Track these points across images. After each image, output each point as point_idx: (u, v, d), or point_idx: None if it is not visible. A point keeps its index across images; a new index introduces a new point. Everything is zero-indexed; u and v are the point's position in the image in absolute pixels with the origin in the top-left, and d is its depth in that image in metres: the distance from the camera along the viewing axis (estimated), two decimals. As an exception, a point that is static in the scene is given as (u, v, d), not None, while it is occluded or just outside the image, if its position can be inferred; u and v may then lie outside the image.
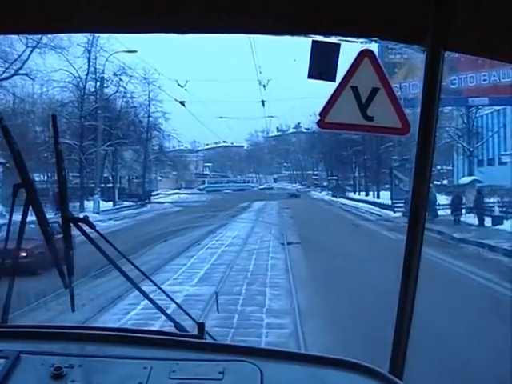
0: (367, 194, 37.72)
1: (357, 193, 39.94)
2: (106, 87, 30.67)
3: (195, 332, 1.80)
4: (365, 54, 1.68)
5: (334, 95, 1.70)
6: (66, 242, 1.78)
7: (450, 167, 37.28)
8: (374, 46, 1.67)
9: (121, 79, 30.53)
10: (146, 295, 1.86)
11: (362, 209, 31.22)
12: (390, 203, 29.57)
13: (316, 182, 48.19)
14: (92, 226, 1.79)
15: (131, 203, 32.28)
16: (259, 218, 28.23)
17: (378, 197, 34.28)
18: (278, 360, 1.65)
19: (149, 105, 33.11)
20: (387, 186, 33.61)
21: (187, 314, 1.93)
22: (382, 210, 29.62)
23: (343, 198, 38.31)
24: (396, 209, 27.26)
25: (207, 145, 51.35)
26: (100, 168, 29.48)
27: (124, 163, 33.11)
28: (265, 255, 16.97)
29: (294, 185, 49.87)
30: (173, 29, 1.74)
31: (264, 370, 1.57)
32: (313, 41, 1.66)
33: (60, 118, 27.34)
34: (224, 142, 50.46)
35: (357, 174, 40.43)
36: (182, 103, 29.65)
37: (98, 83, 29.73)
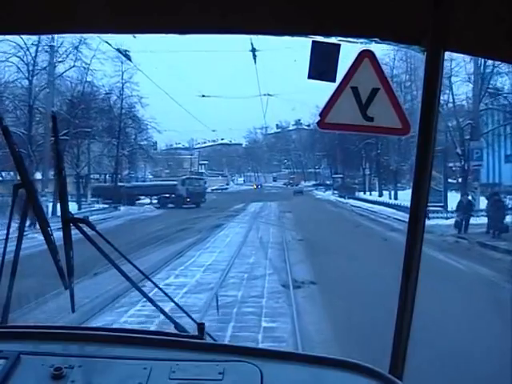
0: (381, 194, 32.57)
1: (367, 193, 35.17)
2: (61, 61, 24.64)
3: (195, 332, 1.80)
4: (365, 54, 1.68)
5: (334, 96, 1.70)
6: (65, 242, 1.78)
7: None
8: (374, 47, 1.67)
9: (79, 51, 24.59)
10: (145, 295, 1.86)
11: (380, 213, 25.03)
12: None
13: (292, 181, 46.39)
14: (92, 227, 1.79)
15: (105, 205, 27.85)
16: (253, 226, 22.45)
17: (396, 197, 29.05)
18: (278, 360, 1.65)
19: (122, 88, 28.20)
20: (400, 185, 29.70)
21: (187, 314, 1.94)
22: (407, 214, 25.05)
23: (352, 198, 33.54)
24: (431, 215, 21.28)
25: (205, 143, 49.38)
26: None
27: (93, 158, 28.27)
28: (253, 320, 8.24)
29: (274, 183, 48.27)
30: (173, 29, 1.74)
31: (264, 370, 1.57)
32: (313, 41, 1.66)
33: (3, 100, 23.12)
34: (222, 139, 49.50)
35: (367, 172, 35.76)
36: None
37: (49, 56, 23.79)
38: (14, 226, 1.78)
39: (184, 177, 34.27)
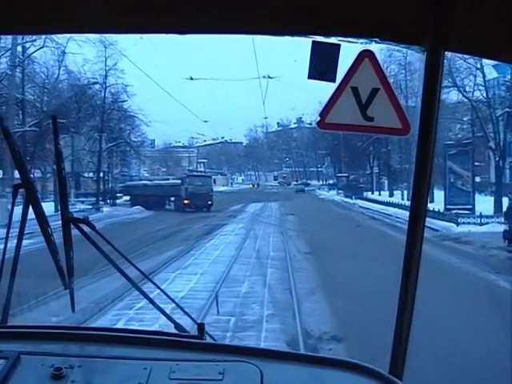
0: (391, 194, 29.28)
1: (375, 192, 32.05)
2: (31, 42, 21.74)
3: (195, 332, 1.80)
4: (365, 54, 1.68)
5: (334, 96, 1.69)
6: (65, 243, 1.78)
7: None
8: (374, 47, 1.67)
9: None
10: (145, 295, 1.86)
11: (397, 217, 20.12)
12: (441, 209, 20.32)
13: (283, 180, 44.71)
14: (92, 227, 1.79)
15: (88, 206, 25.15)
16: (250, 233, 19.46)
17: (409, 198, 27.57)
18: (277, 360, 1.65)
19: (105, 76, 25.03)
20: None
21: (187, 314, 1.94)
22: (430, 219, 18.26)
23: (360, 199, 30.64)
24: (460, 219, 18.61)
25: (205, 141, 47.03)
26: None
27: (72, 154, 24.65)
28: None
29: (274, 182, 46.17)
30: (173, 29, 1.74)
31: (264, 370, 1.57)
32: (313, 41, 1.66)
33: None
34: (222, 137, 48.63)
35: (375, 170, 32.48)
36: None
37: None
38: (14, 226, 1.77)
39: (184, 175, 30.21)
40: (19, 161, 1.75)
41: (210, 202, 27.68)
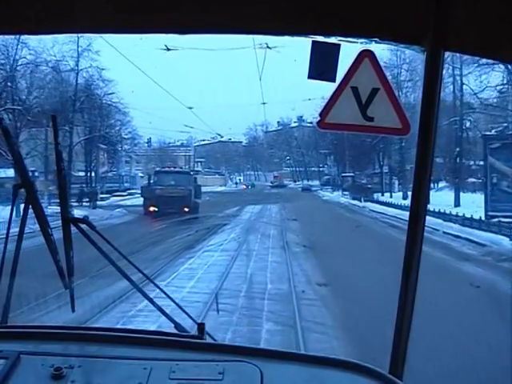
0: (405, 197, 24.95)
1: (385, 194, 28.75)
2: None
3: (195, 332, 1.80)
4: (365, 54, 1.68)
5: (334, 96, 1.70)
6: (65, 243, 1.78)
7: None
8: (374, 47, 1.67)
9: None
10: (146, 296, 1.87)
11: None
12: (481, 217, 16.27)
13: (275, 180, 43.46)
14: (92, 227, 1.79)
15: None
16: (242, 247, 15.02)
17: (429, 201, 19.13)
18: (277, 360, 1.65)
19: (78, 57, 21.60)
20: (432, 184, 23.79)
21: (187, 314, 1.94)
22: (464, 227, 15.55)
23: (370, 201, 27.61)
24: (505, 231, 14.12)
25: (203, 140, 45.43)
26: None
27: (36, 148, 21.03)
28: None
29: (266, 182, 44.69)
30: (173, 28, 1.74)
31: (264, 370, 1.57)
32: (313, 41, 1.66)
33: None
34: (221, 136, 47.41)
35: (385, 169, 29.63)
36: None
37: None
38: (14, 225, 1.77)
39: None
40: (19, 161, 1.75)
41: (186, 209, 20.62)
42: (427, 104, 1.61)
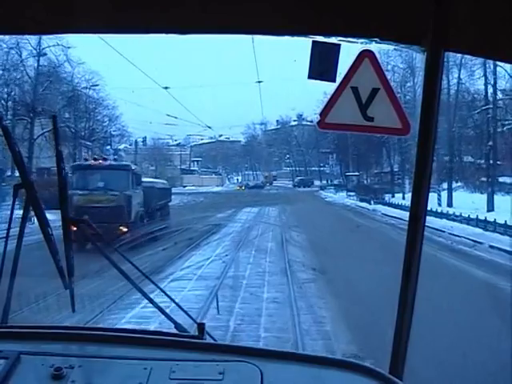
0: None
1: (395, 195, 25.21)
2: None
3: (195, 332, 1.80)
4: (365, 54, 1.68)
5: (334, 96, 1.70)
6: (65, 243, 1.78)
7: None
8: (374, 47, 1.67)
9: None
10: (146, 295, 1.86)
11: (448, 233, 13.35)
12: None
13: (265, 180, 42.12)
14: (92, 227, 1.79)
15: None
16: (228, 272, 11.10)
17: (451, 204, 19.44)
18: (278, 360, 1.65)
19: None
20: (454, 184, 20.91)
21: (187, 314, 1.94)
22: (504, 236, 12.70)
23: (382, 203, 24.25)
24: None
25: (201, 139, 43.51)
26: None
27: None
28: None
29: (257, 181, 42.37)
30: (173, 28, 1.74)
31: (264, 370, 1.57)
32: (313, 41, 1.66)
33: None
34: (220, 135, 46.39)
35: (396, 168, 26.62)
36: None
37: None
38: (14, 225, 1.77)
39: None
40: (19, 161, 1.75)
41: (124, 229, 13.18)
42: (427, 104, 1.61)
